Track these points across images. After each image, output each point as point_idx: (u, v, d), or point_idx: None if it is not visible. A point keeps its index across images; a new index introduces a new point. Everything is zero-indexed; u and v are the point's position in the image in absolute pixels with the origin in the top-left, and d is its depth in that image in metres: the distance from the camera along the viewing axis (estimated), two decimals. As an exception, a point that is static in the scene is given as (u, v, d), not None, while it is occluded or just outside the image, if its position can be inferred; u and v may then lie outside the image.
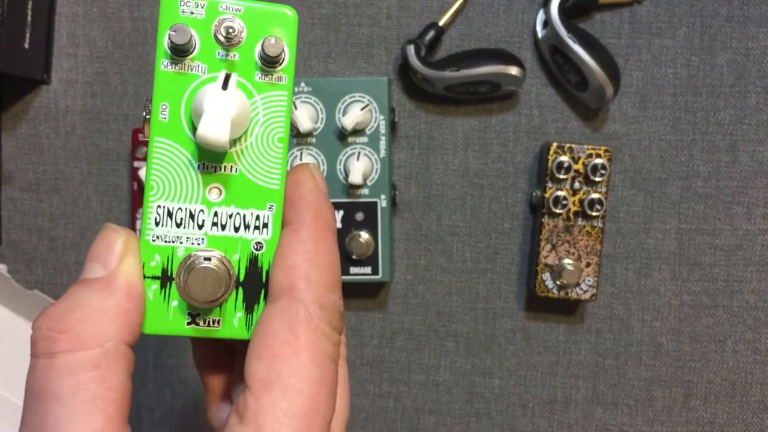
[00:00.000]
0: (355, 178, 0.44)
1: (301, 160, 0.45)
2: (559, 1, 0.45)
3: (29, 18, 0.46)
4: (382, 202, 0.46)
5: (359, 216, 0.46)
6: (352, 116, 0.44)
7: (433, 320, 0.49)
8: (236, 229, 0.24)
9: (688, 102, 0.48)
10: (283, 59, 0.24)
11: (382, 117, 0.45)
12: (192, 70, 0.24)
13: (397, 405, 0.50)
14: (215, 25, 0.24)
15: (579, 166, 0.45)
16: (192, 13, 0.24)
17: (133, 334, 0.23)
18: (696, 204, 0.48)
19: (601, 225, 0.46)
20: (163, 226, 0.24)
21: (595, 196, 0.45)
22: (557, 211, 0.46)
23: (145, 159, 0.46)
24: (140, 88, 0.49)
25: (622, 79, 0.47)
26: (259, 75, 0.24)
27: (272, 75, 0.24)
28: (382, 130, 0.45)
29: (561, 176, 0.45)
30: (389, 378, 0.50)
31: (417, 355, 0.50)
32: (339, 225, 0.46)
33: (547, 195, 0.46)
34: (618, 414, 0.49)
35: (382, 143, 0.45)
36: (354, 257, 0.46)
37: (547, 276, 0.46)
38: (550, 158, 0.45)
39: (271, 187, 0.25)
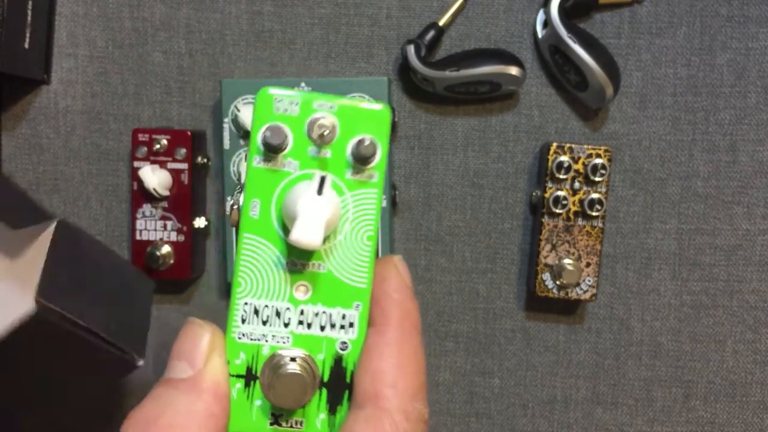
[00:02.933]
0: (355, 178, 0.44)
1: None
2: (559, 1, 0.45)
3: (29, 18, 0.46)
4: (382, 202, 0.46)
5: (359, 216, 0.46)
6: (352, 116, 0.44)
7: (433, 320, 0.49)
8: (322, 328, 0.24)
9: (688, 102, 0.48)
10: (375, 157, 0.24)
11: (382, 117, 0.45)
12: (284, 167, 0.24)
13: (397, 405, 0.50)
14: (309, 123, 0.24)
15: (579, 166, 0.45)
16: (286, 110, 0.24)
17: None
18: (696, 204, 0.48)
19: (601, 225, 0.46)
20: (249, 323, 0.24)
21: (595, 196, 0.45)
22: (557, 211, 0.46)
23: (144, 160, 0.46)
24: (140, 88, 0.49)
25: (622, 79, 0.47)
26: (350, 173, 0.24)
27: (364, 173, 0.24)
28: (382, 130, 0.45)
29: (561, 176, 0.45)
30: (389, 378, 0.50)
31: (417, 355, 0.49)
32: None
33: (547, 195, 0.46)
34: (618, 414, 0.49)
35: (382, 143, 0.45)
36: (354, 257, 0.46)
37: (547, 276, 0.46)
38: (550, 158, 0.45)
39: (358, 285, 0.24)
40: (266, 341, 0.24)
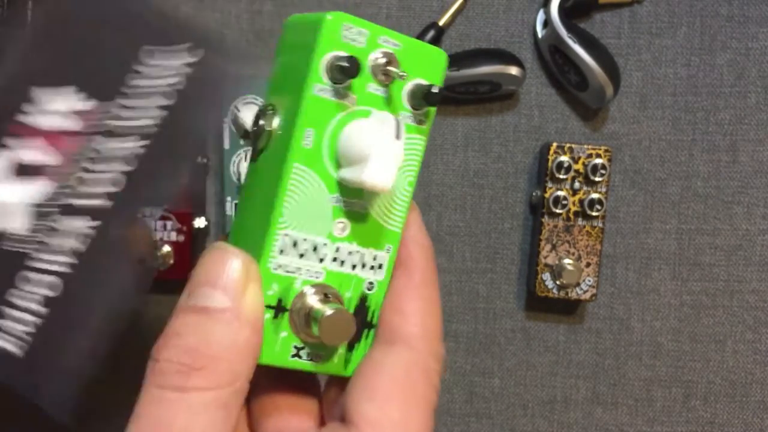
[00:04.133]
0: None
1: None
2: (559, 1, 0.45)
3: (29, 18, 0.46)
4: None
5: (359, 216, 0.46)
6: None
7: (433, 320, 0.49)
8: (353, 267, 0.24)
9: (688, 102, 0.48)
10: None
11: (382, 117, 0.45)
12: (343, 99, 0.23)
13: (397, 405, 0.50)
14: (372, 57, 0.23)
15: (579, 166, 0.45)
16: (353, 40, 0.23)
17: (253, 368, 0.22)
18: (696, 204, 0.48)
19: (601, 225, 0.46)
20: (286, 255, 0.23)
21: (595, 196, 0.45)
22: (557, 211, 0.46)
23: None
24: (140, 88, 0.49)
25: (622, 78, 0.47)
26: (403, 115, 0.24)
27: (416, 117, 0.24)
28: (382, 130, 0.45)
29: (561, 176, 0.45)
30: (389, 378, 0.50)
31: (417, 355, 0.49)
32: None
33: (547, 195, 0.46)
34: (618, 414, 0.49)
35: (382, 143, 0.45)
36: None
37: (547, 276, 0.46)
38: (550, 158, 0.45)
39: (392, 228, 0.24)
40: (300, 275, 0.23)
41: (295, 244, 0.23)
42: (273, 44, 0.48)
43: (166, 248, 0.47)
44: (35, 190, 0.24)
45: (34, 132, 0.24)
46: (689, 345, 0.49)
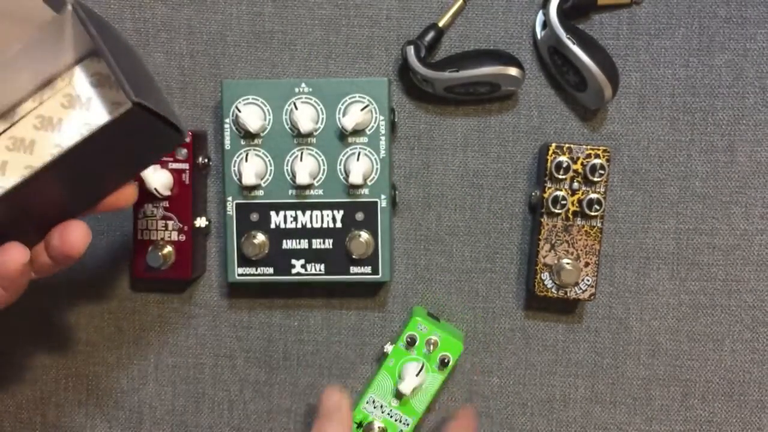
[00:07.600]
0: (355, 178, 0.44)
1: (301, 160, 0.45)
2: (558, 2, 0.45)
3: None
4: (382, 202, 0.46)
5: (359, 216, 0.46)
6: (352, 117, 0.44)
7: (433, 319, 0.49)
8: (396, 420, 0.47)
9: (686, 102, 0.48)
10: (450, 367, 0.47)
11: (382, 117, 0.45)
12: (409, 350, 0.47)
13: (397, 404, 0.50)
14: (422, 339, 0.47)
15: (578, 167, 0.46)
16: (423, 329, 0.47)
17: None
18: (694, 204, 0.48)
19: (599, 225, 0.46)
20: (369, 404, 0.47)
21: (593, 196, 0.46)
22: (556, 210, 0.46)
23: None
24: (141, 88, 0.49)
25: (620, 79, 0.47)
26: (435, 365, 0.47)
27: (439, 368, 0.47)
28: (382, 130, 0.46)
29: (560, 176, 0.46)
30: (389, 377, 0.50)
31: (417, 354, 0.50)
32: (339, 225, 0.46)
33: (546, 195, 0.46)
34: (616, 413, 0.49)
35: (382, 143, 0.46)
36: (354, 257, 0.46)
37: (546, 275, 0.47)
38: (549, 158, 0.46)
39: (417, 409, 0.47)
40: (374, 416, 0.47)
41: (373, 402, 0.47)
42: (274, 45, 0.49)
43: (168, 248, 0.47)
44: None
45: None
46: (687, 344, 0.49)
